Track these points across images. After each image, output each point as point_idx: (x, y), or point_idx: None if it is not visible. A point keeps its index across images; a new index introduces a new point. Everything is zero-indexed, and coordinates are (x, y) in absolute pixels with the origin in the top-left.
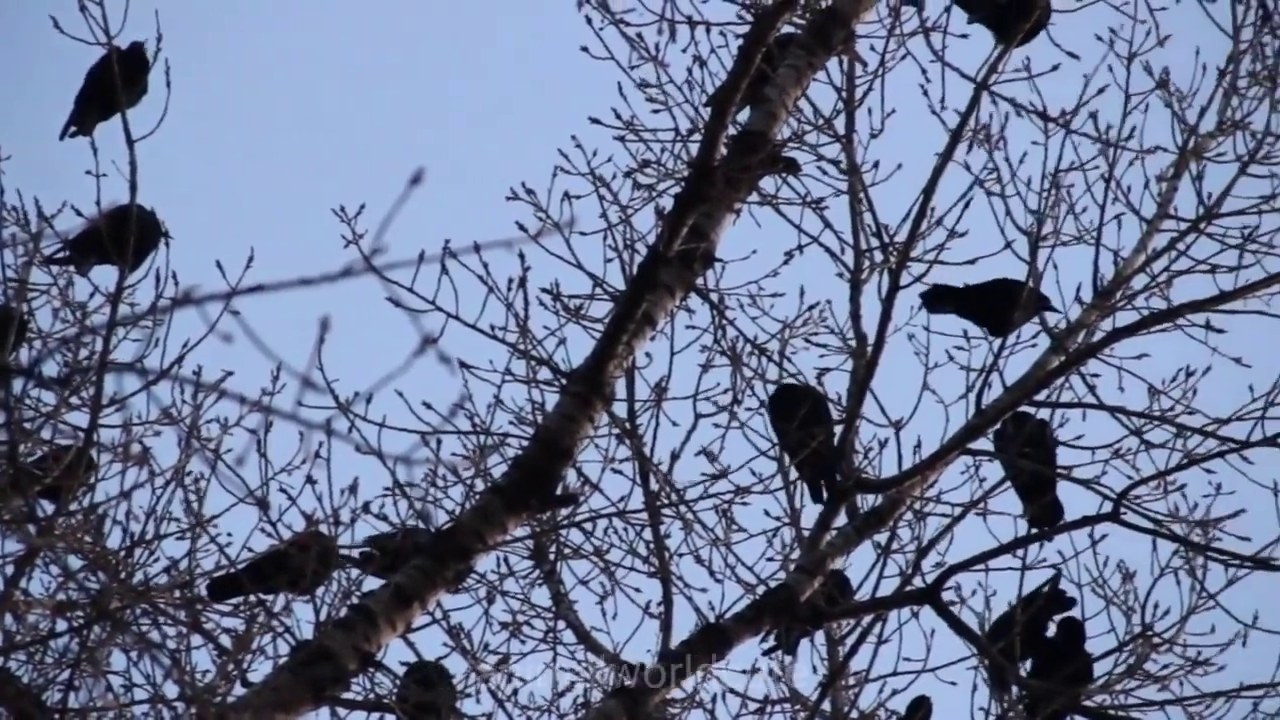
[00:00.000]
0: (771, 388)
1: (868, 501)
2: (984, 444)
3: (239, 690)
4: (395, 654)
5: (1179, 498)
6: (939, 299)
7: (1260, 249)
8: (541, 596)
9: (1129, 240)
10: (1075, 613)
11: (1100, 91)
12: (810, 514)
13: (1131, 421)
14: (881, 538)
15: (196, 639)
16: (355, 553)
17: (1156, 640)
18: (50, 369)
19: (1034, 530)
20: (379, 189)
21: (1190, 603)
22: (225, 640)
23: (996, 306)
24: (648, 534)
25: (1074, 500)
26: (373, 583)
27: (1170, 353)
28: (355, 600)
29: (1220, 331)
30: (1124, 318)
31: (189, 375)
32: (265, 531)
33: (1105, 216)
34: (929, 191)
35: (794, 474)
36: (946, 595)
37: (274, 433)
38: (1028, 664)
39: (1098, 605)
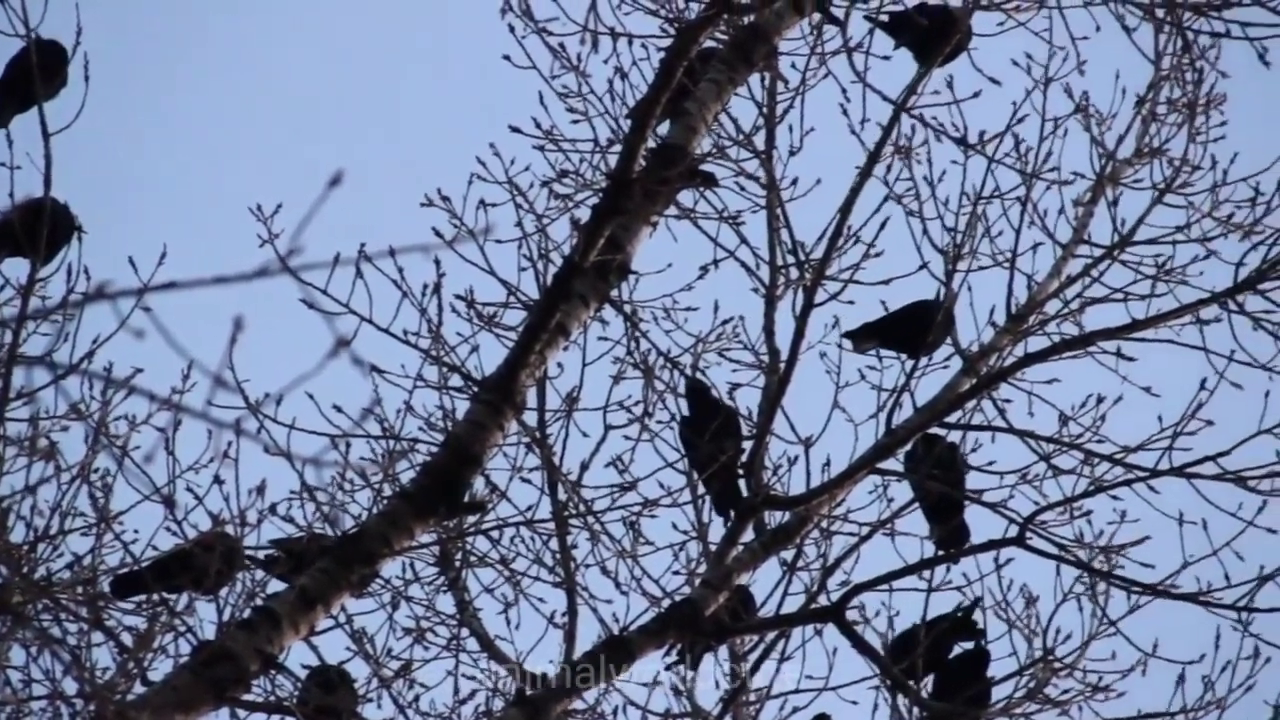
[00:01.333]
0: (683, 401)
1: (775, 518)
2: (893, 464)
3: (139, 688)
4: (297, 656)
5: (1085, 524)
6: (864, 337)
7: (1173, 278)
8: (446, 603)
9: (1044, 265)
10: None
11: (1020, 120)
12: (717, 528)
13: (1040, 447)
14: (788, 554)
15: (98, 636)
16: (261, 554)
17: (1057, 665)
18: None
19: (940, 552)
20: (297, 190)
21: (1092, 629)
22: (127, 638)
23: (914, 331)
24: (554, 544)
25: (981, 523)
26: (277, 584)
27: (1081, 379)
28: (259, 602)
29: (1131, 360)
30: (1036, 343)
31: (99, 371)
32: (171, 530)
33: (1021, 240)
34: (846, 210)
35: (701, 488)
36: (850, 614)
37: (183, 431)
38: (929, 685)
39: (1000, 629)
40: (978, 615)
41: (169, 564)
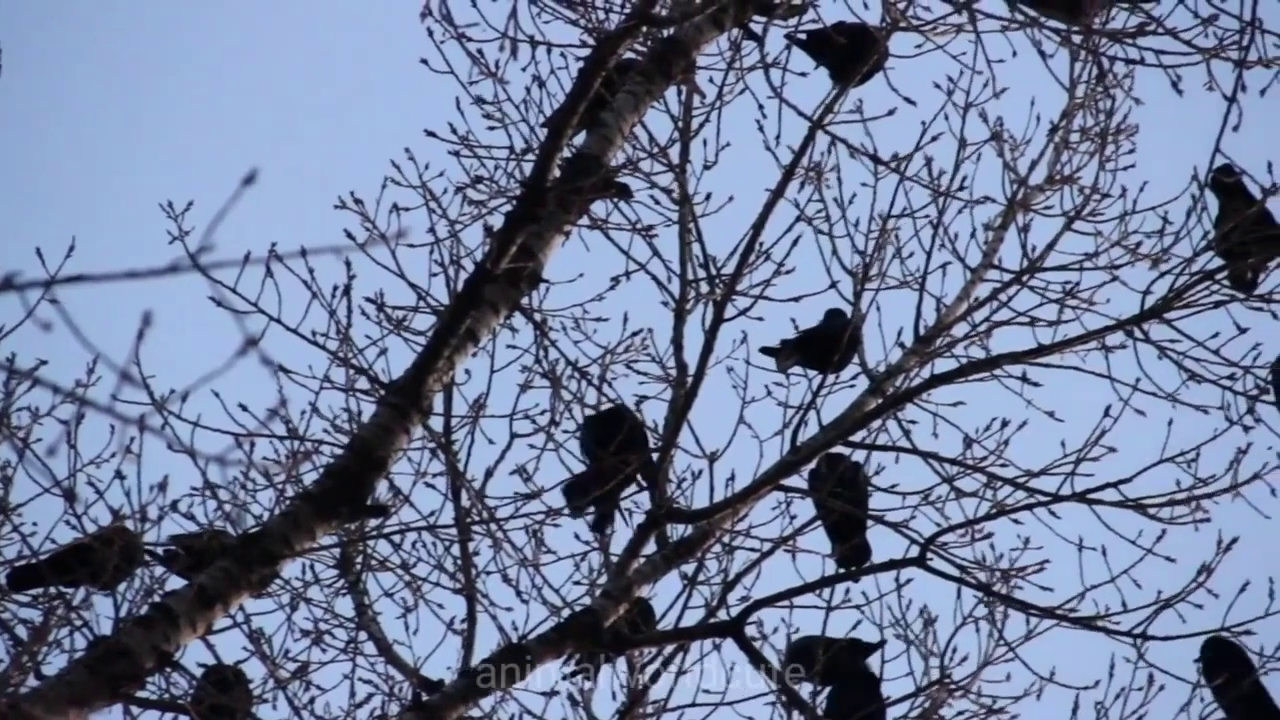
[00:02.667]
0: (590, 412)
1: (677, 531)
2: (797, 481)
3: (33, 682)
4: (194, 655)
5: (986, 547)
6: (786, 355)
7: (1081, 305)
8: (345, 606)
9: (953, 287)
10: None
11: (933, 139)
12: (620, 540)
13: (944, 468)
14: (689, 568)
15: None
16: (160, 550)
17: (953, 687)
18: None
19: (840, 570)
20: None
21: (989, 651)
22: (22, 631)
23: (828, 348)
24: (456, 550)
25: (883, 543)
26: (176, 582)
27: (987, 402)
28: (157, 599)
29: (1037, 384)
30: (943, 364)
31: (2, 361)
32: (70, 524)
33: (931, 262)
34: (758, 226)
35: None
36: (749, 630)
37: (86, 425)
38: (823, 703)
39: (898, 648)
40: (871, 628)
41: (67, 558)
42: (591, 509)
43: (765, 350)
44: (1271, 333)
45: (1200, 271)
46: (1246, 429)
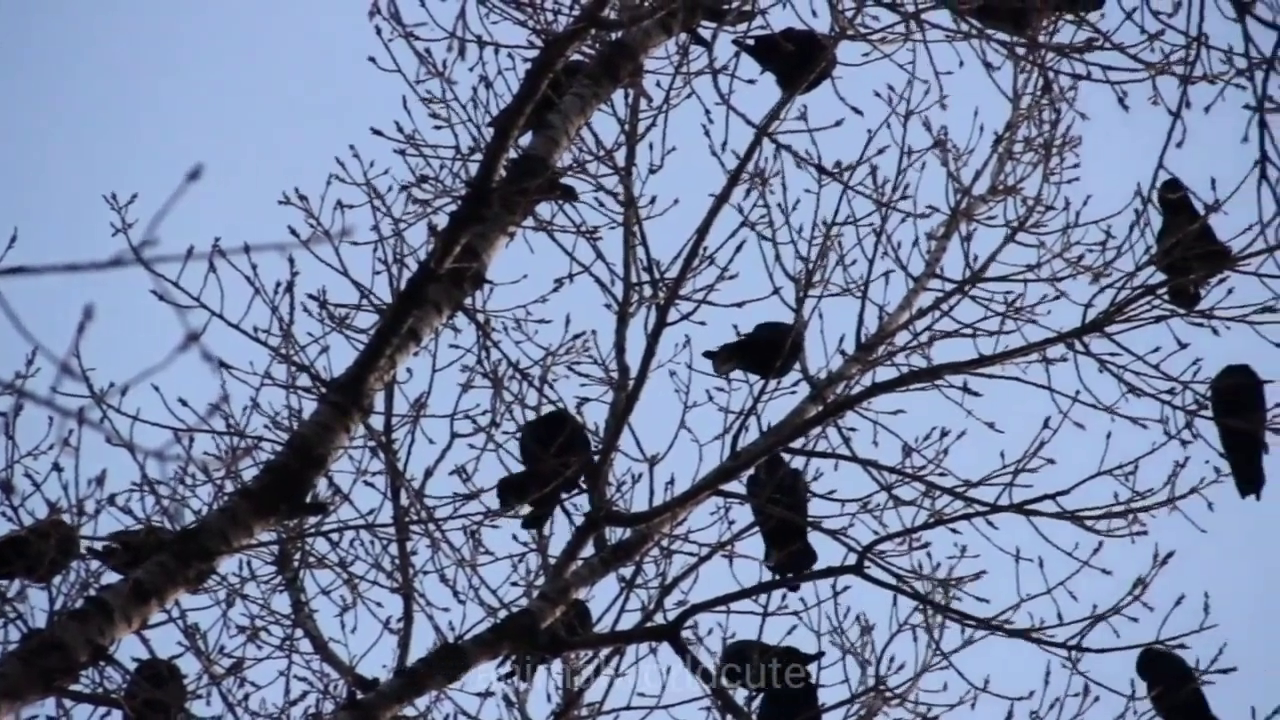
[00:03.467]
0: (530, 414)
1: (616, 534)
2: (737, 487)
3: None
4: (128, 649)
5: (924, 556)
6: (725, 359)
7: (1022, 317)
8: (282, 603)
9: (895, 296)
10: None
11: (879, 151)
12: (558, 542)
13: (883, 477)
14: (627, 571)
15: None
16: (97, 544)
17: (889, 695)
18: None
19: (776, 577)
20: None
21: (925, 660)
22: None
23: (770, 354)
24: (394, 549)
25: (820, 550)
26: (112, 576)
27: (927, 411)
28: (92, 592)
29: (977, 395)
30: (884, 373)
31: None
32: (6, 515)
33: (874, 270)
34: (703, 231)
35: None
36: (686, 634)
37: (24, 416)
38: (758, 709)
39: (835, 656)
40: (808, 635)
41: (3, 550)
42: (528, 508)
43: (708, 355)
44: (1211, 348)
45: (1142, 286)
46: (1185, 444)
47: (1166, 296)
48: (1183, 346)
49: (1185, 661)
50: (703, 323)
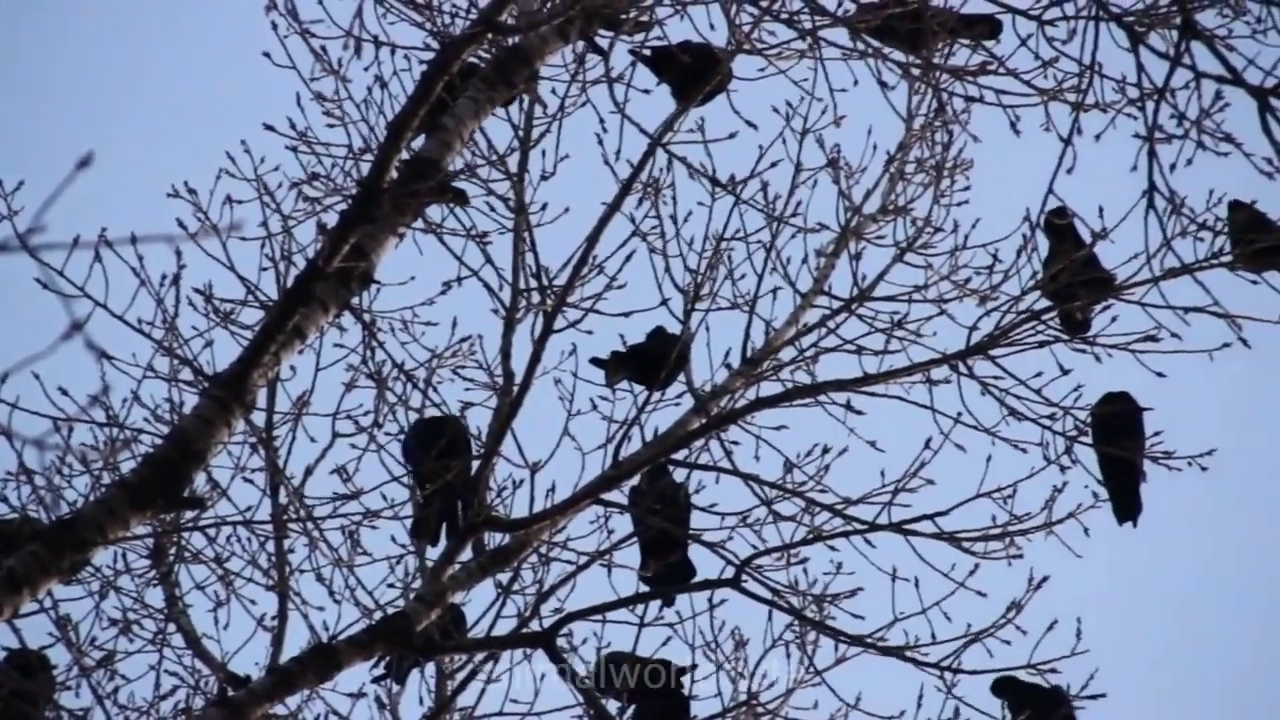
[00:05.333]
0: (414, 415)
1: (495, 539)
2: (617, 496)
3: None
4: None
5: (801, 571)
6: (615, 369)
7: (907, 337)
8: (155, 597)
9: (782, 311)
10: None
11: (772, 165)
12: (436, 546)
13: (764, 491)
14: (504, 577)
15: None
16: None
17: (760, 710)
18: None
19: (646, 588)
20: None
21: (798, 676)
22: None
23: (656, 365)
24: (271, 546)
25: (698, 563)
26: None
27: (810, 428)
28: None
29: (860, 413)
30: (769, 388)
31: None
32: None
33: (762, 286)
34: (593, 240)
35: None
36: (561, 642)
37: None
38: (630, 718)
39: (708, 669)
40: (683, 648)
41: None
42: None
43: (594, 361)
44: (1093, 375)
45: (1027, 311)
46: (1063, 469)
47: (1051, 321)
48: (1065, 372)
49: (1049, 688)
50: (590, 331)
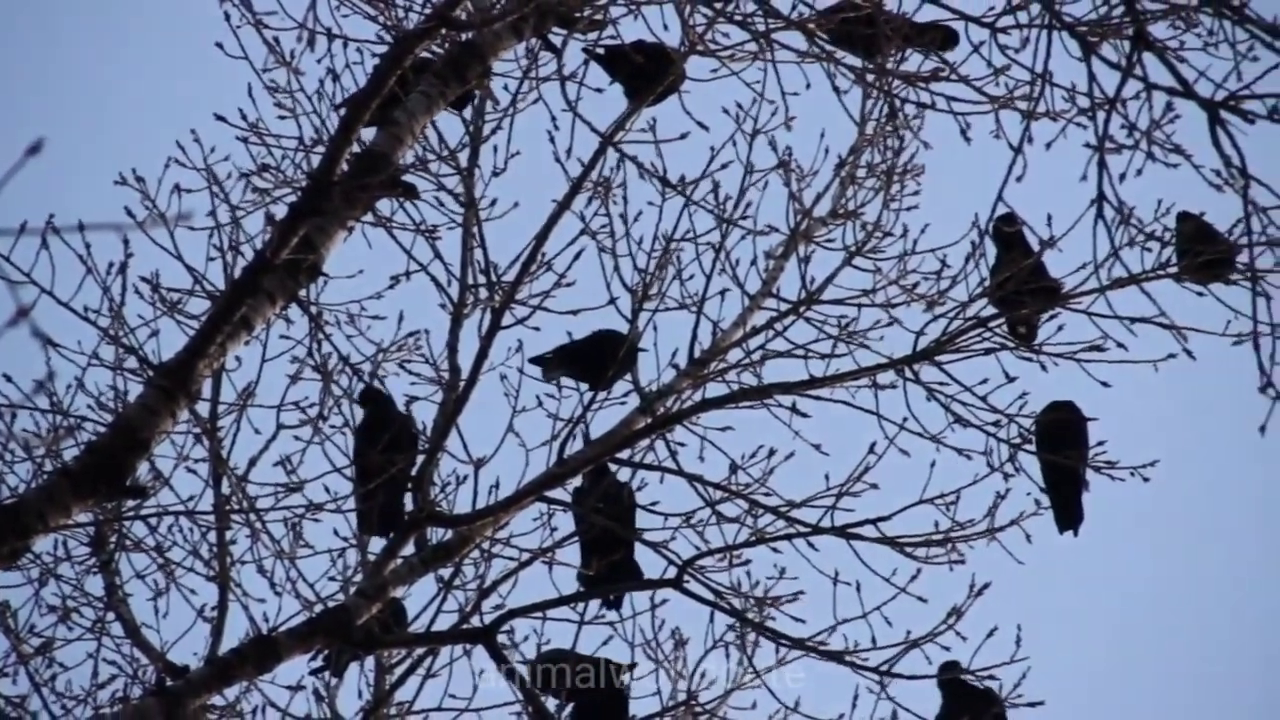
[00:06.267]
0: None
1: (437, 535)
2: (561, 494)
3: None
4: None
5: (743, 573)
6: (554, 365)
7: (855, 341)
8: (95, 585)
9: (730, 313)
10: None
11: (722, 166)
12: (379, 539)
13: (708, 492)
14: (446, 572)
15: None
16: None
17: (699, 710)
18: None
19: (584, 587)
20: None
21: (737, 677)
22: None
23: (599, 363)
24: (213, 537)
25: (641, 562)
26: None
27: (755, 430)
28: None
29: (806, 416)
30: (715, 389)
31: None
32: None
33: (711, 287)
34: (542, 237)
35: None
36: (501, 638)
37: None
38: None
39: (648, 668)
40: (624, 646)
41: None
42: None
43: (534, 360)
44: (1038, 383)
45: (974, 318)
46: (1007, 476)
47: (997, 329)
48: (1010, 380)
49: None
50: (537, 328)
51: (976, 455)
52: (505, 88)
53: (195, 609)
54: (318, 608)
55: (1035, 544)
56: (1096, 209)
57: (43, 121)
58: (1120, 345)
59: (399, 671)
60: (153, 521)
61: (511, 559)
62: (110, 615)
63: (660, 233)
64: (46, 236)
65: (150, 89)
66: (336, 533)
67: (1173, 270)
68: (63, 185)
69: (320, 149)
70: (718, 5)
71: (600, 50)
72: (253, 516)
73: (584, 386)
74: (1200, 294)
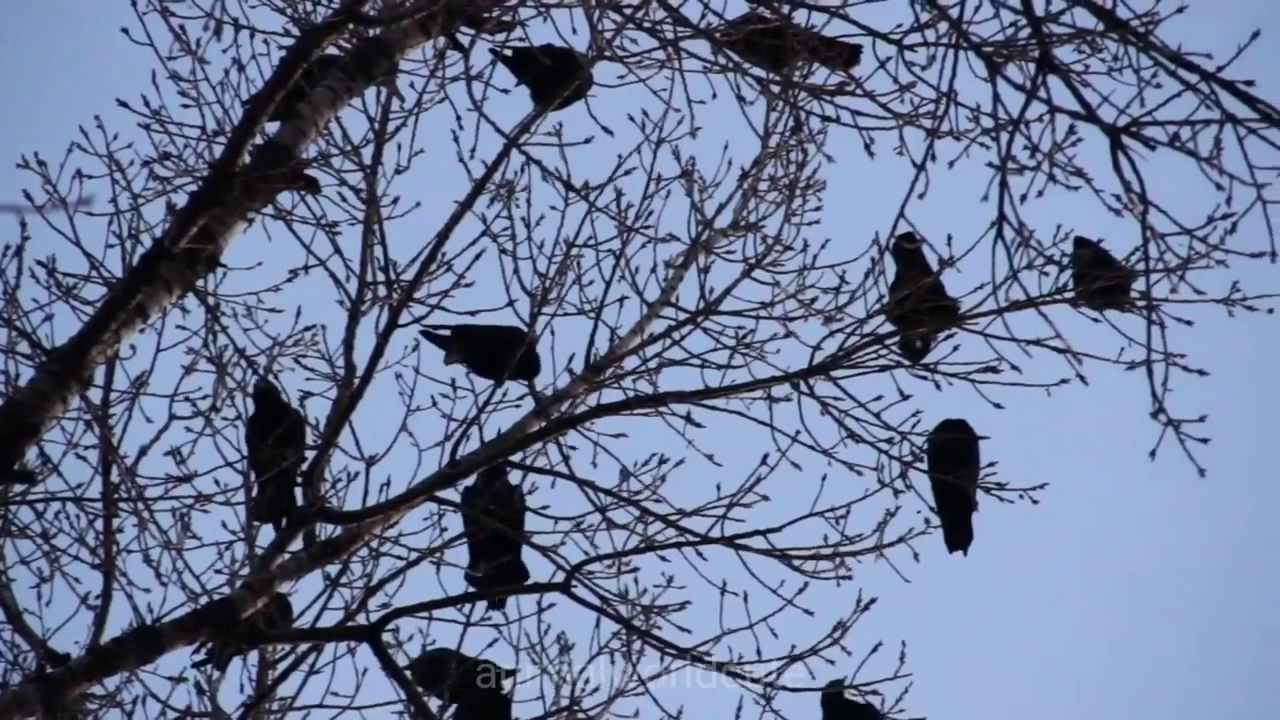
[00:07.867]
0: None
1: (327, 531)
2: (452, 495)
3: None
4: None
5: (631, 580)
6: (456, 348)
7: (751, 353)
8: None
9: (628, 320)
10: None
11: (626, 173)
12: (267, 533)
13: (599, 498)
14: (333, 569)
15: None
16: None
17: (581, 716)
18: None
19: (472, 588)
20: None
21: (622, 684)
22: None
23: (496, 358)
24: (100, 525)
25: (529, 566)
26: None
27: (649, 437)
28: None
29: (699, 426)
30: (610, 395)
31: None
32: None
33: (610, 293)
34: (443, 236)
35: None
36: (386, 637)
37: None
38: (451, 717)
39: (532, 672)
40: (508, 650)
41: None
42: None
43: (429, 334)
44: (932, 401)
45: (871, 334)
46: (897, 493)
47: (894, 346)
48: (905, 397)
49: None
50: (436, 327)
51: (868, 471)
52: (411, 85)
53: (79, 597)
54: (203, 600)
55: (923, 562)
56: (997, 230)
57: None
58: (1015, 367)
59: (282, 667)
60: (39, 507)
61: (400, 558)
62: None
63: (561, 237)
64: None
65: (53, 72)
66: (225, 525)
67: (1070, 295)
68: None
69: (223, 139)
70: (627, 11)
71: (508, 51)
72: (141, 506)
73: (480, 386)
74: (1096, 320)
